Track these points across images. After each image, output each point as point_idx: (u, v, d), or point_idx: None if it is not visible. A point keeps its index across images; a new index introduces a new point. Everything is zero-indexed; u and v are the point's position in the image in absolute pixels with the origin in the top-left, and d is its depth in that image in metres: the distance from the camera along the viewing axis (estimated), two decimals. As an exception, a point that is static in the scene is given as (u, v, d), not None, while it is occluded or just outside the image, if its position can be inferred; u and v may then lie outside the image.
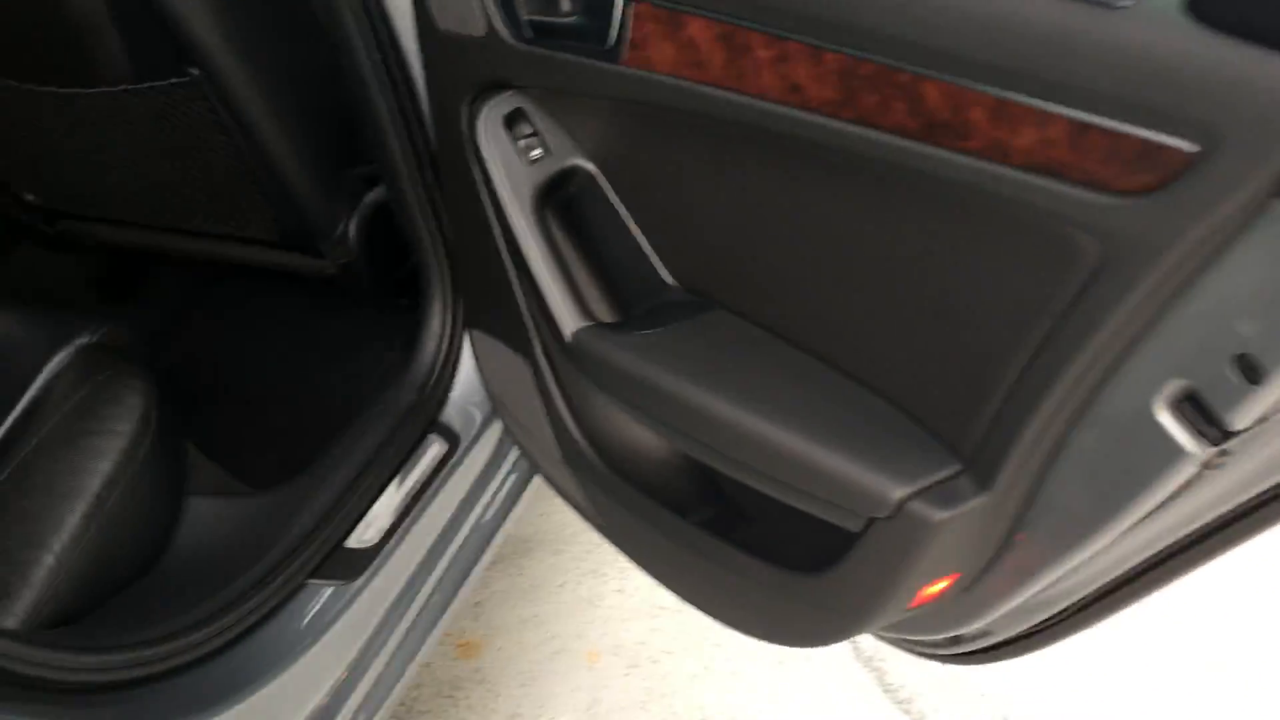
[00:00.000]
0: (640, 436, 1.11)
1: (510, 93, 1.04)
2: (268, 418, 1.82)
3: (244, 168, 1.51)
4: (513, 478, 1.60)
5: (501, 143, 1.04)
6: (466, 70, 1.07)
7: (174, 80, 1.41)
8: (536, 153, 1.05)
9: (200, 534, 1.33)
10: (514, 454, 1.63)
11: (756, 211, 0.89)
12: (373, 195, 1.64)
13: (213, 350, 1.94)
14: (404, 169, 1.45)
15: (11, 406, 1.31)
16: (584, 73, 0.94)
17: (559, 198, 1.06)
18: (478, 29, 1.01)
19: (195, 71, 1.38)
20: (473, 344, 1.38)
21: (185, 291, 2.04)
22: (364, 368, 1.90)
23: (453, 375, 1.57)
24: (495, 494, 1.56)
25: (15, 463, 1.24)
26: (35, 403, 1.31)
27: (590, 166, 1.05)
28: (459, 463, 1.53)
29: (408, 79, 1.39)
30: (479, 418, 1.58)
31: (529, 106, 1.04)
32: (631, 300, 1.06)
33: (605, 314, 1.08)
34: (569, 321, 1.03)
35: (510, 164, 1.05)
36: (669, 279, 1.03)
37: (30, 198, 1.74)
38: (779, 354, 0.90)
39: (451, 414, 1.57)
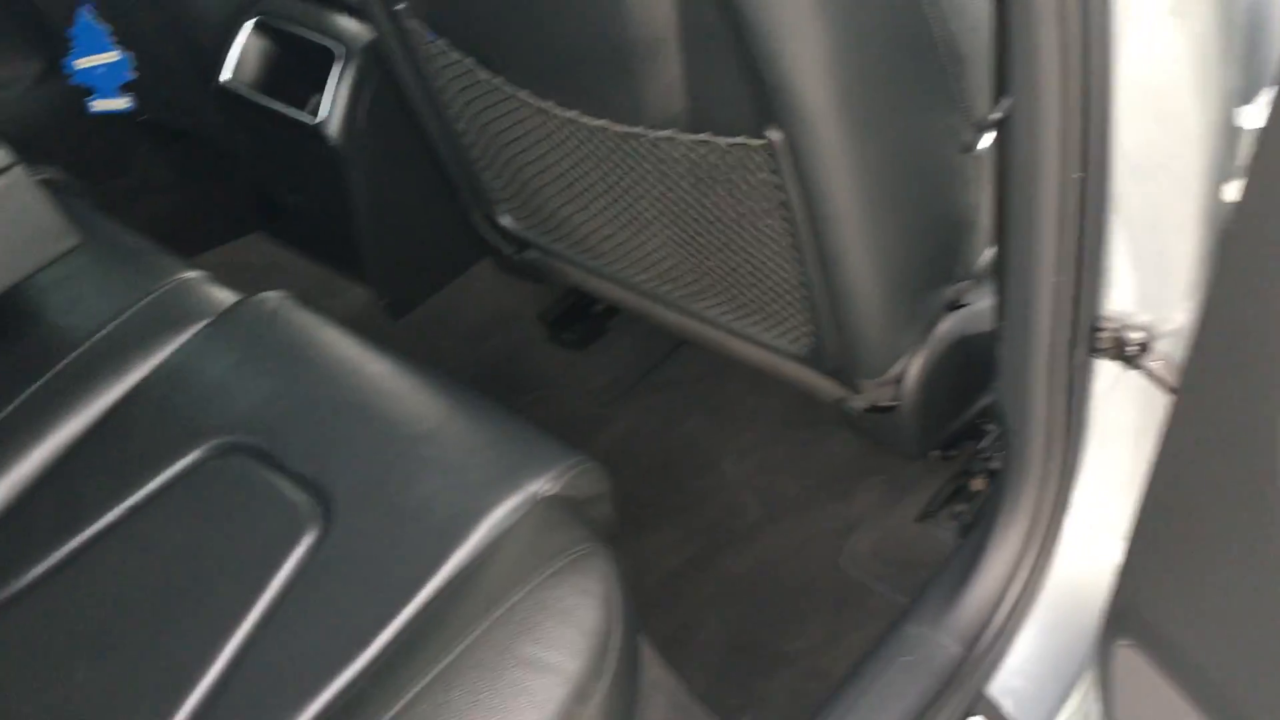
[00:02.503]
0: None
1: None
2: (730, 573, 1.36)
3: (793, 263, 1.04)
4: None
5: None
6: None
7: (741, 140, 0.96)
8: None
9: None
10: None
11: None
12: (948, 325, 1.13)
13: (658, 447, 1.51)
14: (1055, 326, 0.91)
15: (433, 568, 0.92)
16: None
17: None
18: None
19: (775, 135, 0.92)
20: (1106, 663, 0.84)
21: (641, 354, 1.63)
22: (854, 519, 1.40)
23: (1016, 628, 1.05)
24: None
25: (423, 683, 0.83)
26: (463, 579, 0.91)
27: None
28: (1015, 772, 1.00)
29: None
30: (1044, 699, 1.05)
31: None
32: None
33: None
34: None
35: None
36: None
37: (507, 223, 1.38)
38: None
39: (1002, 685, 1.04)
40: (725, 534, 1.38)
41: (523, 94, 1.09)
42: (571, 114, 1.06)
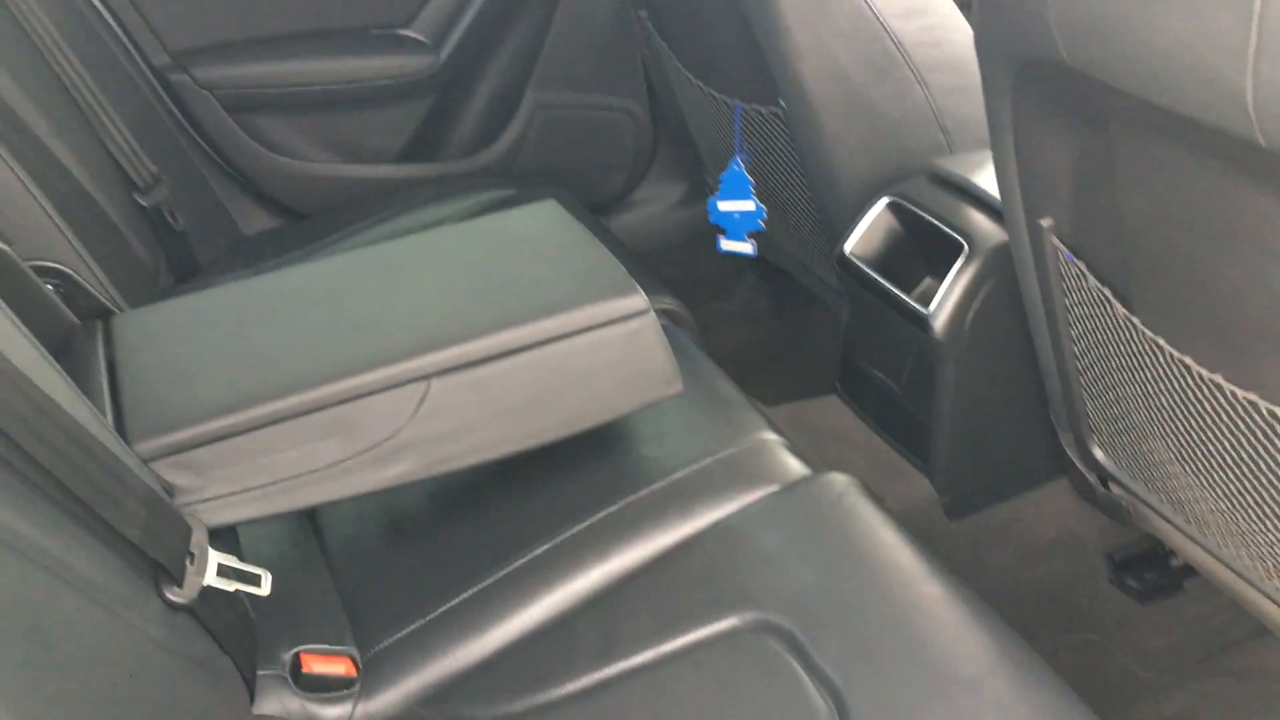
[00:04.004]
0: None
1: None
2: None
3: None
4: None
5: None
6: None
7: None
8: None
9: None
10: None
11: None
12: None
13: None
14: None
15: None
16: None
17: None
18: None
19: None
20: None
21: (1215, 629, 1.42)
22: None
23: None
24: None
25: None
26: None
27: None
28: None
29: None
30: None
31: None
32: None
33: None
34: None
35: None
36: None
37: (1098, 454, 1.26)
38: None
39: None
40: None
41: (1160, 341, 1.00)
42: (1214, 377, 0.95)
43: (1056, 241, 1.09)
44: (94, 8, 1.79)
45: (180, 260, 1.72)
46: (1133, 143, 0.92)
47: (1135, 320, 1.02)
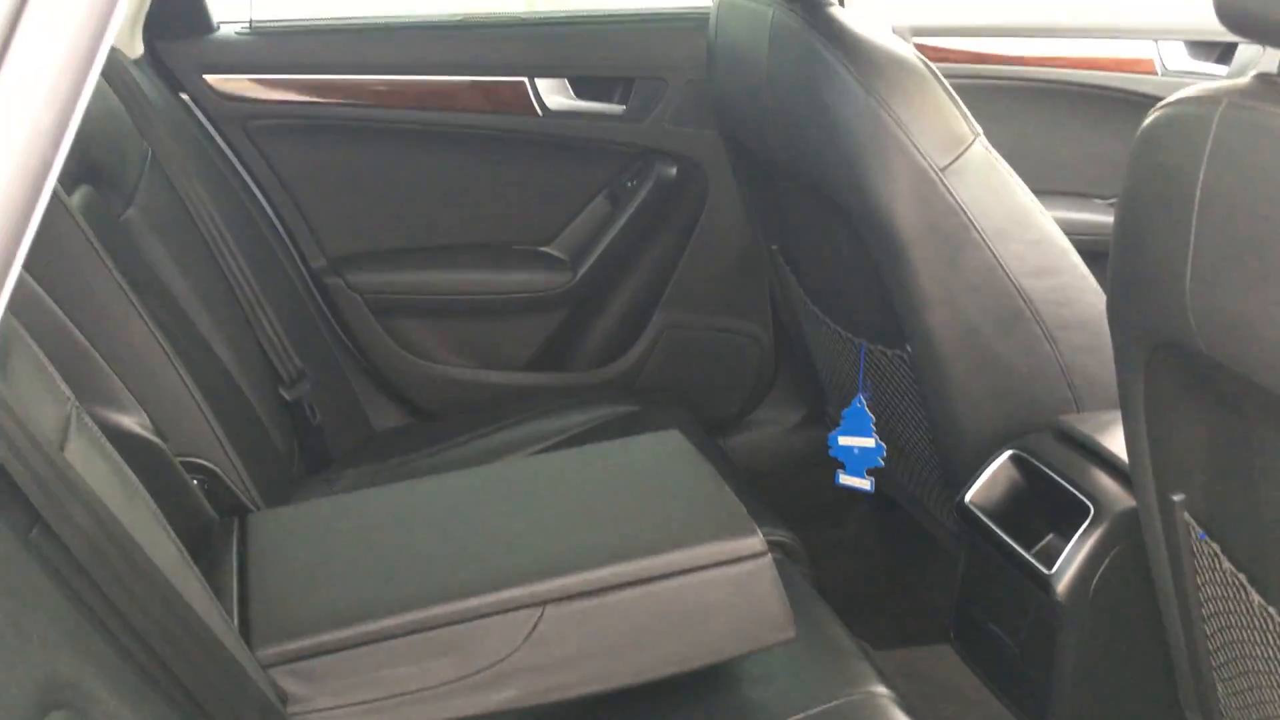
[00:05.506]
0: None
1: None
2: None
3: None
4: None
5: None
6: None
7: None
8: None
9: None
10: None
11: None
12: None
13: None
14: None
15: None
16: None
17: None
18: None
19: None
20: None
21: None
22: None
23: None
24: None
25: None
26: None
27: None
28: None
29: None
30: None
31: None
32: None
33: None
34: None
35: None
36: None
37: None
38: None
39: None
40: None
41: (1299, 637, 0.96)
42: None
43: (1189, 518, 1.07)
44: (264, 212, 1.93)
45: (314, 452, 1.79)
46: (1271, 432, 0.90)
47: (1272, 610, 0.98)
